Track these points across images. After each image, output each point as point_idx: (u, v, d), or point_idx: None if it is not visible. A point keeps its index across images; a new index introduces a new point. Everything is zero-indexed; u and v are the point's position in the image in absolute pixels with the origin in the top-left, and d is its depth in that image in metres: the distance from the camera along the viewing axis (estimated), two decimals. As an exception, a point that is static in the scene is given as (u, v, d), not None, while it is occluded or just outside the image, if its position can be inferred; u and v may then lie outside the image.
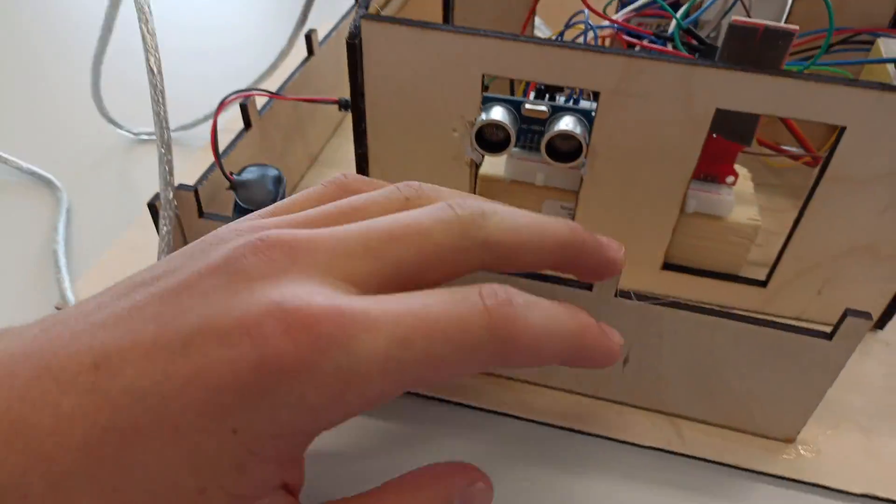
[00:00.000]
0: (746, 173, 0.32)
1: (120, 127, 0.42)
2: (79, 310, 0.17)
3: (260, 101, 0.35)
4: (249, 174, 0.31)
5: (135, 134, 0.42)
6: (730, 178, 0.30)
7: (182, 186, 0.28)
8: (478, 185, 0.32)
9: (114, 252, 0.34)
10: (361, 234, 0.18)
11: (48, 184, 0.39)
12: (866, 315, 0.22)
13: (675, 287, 0.31)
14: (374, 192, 0.20)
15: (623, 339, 0.21)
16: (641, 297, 0.24)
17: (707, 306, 0.24)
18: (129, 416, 0.15)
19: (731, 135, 0.28)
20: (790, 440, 0.26)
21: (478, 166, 0.32)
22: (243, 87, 0.37)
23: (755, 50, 0.25)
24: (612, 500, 0.25)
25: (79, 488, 0.15)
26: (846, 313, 0.22)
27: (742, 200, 0.31)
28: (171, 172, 0.28)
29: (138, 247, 0.34)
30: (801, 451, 0.26)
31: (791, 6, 0.35)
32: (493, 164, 0.33)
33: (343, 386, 0.16)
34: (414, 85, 0.29)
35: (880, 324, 0.30)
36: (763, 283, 0.30)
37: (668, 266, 0.31)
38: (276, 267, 0.17)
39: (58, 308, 0.32)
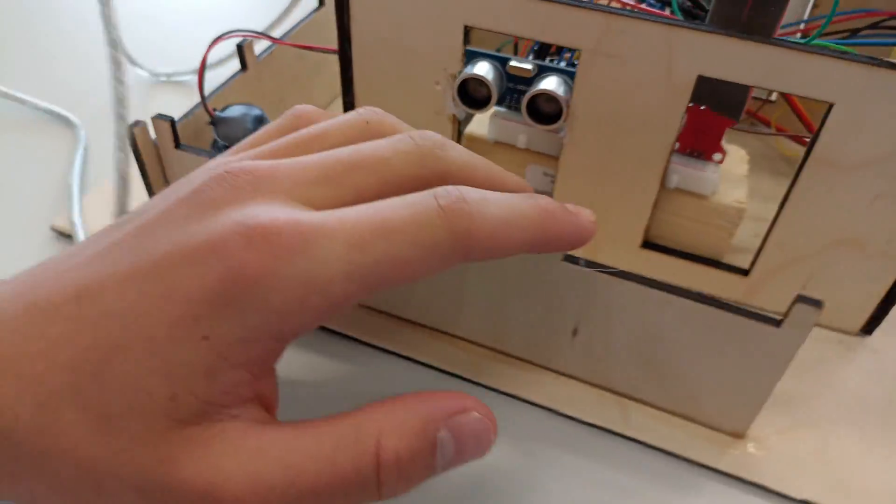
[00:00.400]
0: (743, 155, 0.30)
1: (140, 66, 0.43)
2: (63, 254, 0.19)
3: (260, 49, 0.35)
4: (232, 112, 0.31)
5: (154, 75, 0.43)
6: (717, 156, 0.28)
7: (160, 116, 0.29)
8: (462, 143, 0.31)
9: (107, 187, 0.35)
10: (322, 162, 0.19)
11: (66, 123, 0.39)
12: (817, 303, 0.20)
13: (655, 268, 0.30)
14: (334, 119, 0.21)
15: (594, 216, 0.21)
16: (590, 264, 0.23)
17: (661, 281, 0.23)
18: (108, 334, 0.16)
19: (718, 107, 0.26)
20: (738, 435, 0.24)
21: (461, 123, 0.31)
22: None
23: (745, 15, 0.24)
24: (551, 469, 0.24)
25: (64, 404, 0.16)
26: (797, 299, 0.20)
27: (731, 181, 0.29)
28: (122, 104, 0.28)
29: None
30: (750, 449, 0.24)
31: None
32: (482, 124, 0.32)
33: (305, 290, 0.16)
34: (398, 33, 0.28)
35: (868, 329, 0.28)
36: (745, 272, 0.28)
37: (648, 245, 0.30)
38: (241, 194, 0.18)
39: (53, 228, 0.33)
